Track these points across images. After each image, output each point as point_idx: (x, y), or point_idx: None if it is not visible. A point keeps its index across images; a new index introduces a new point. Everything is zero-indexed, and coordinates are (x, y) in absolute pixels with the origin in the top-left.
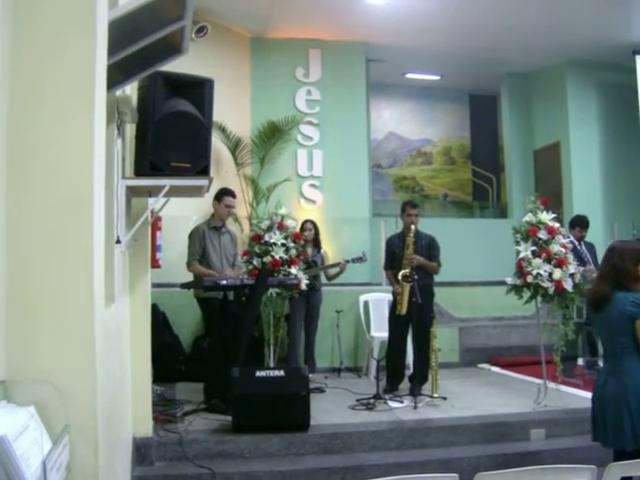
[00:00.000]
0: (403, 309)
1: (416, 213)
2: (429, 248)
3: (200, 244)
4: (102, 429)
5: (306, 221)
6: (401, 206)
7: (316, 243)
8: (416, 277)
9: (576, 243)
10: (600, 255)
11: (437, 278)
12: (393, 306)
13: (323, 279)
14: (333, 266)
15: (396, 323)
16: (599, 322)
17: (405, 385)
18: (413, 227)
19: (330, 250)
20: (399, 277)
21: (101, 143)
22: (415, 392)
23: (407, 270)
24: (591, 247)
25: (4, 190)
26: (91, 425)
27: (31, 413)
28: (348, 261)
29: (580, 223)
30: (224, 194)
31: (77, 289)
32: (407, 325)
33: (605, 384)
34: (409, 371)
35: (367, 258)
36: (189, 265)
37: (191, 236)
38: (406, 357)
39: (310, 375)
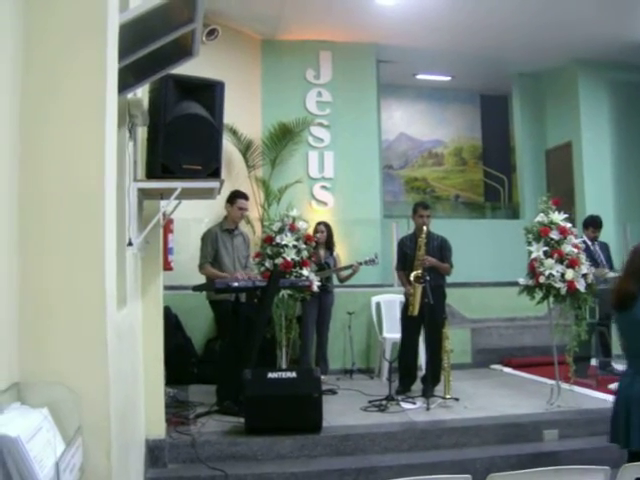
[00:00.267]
0: (415, 310)
1: (428, 214)
2: (441, 249)
3: (212, 247)
4: (115, 431)
5: (319, 223)
6: (413, 207)
7: (329, 245)
8: (428, 278)
9: (589, 243)
10: (614, 255)
11: (449, 279)
12: (405, 307)
13: (335, 281)
14: (346, 268)
15: (408, 324)
16: (623, 321)
17: (417, 386)
18: (425, 228)
19: (342, 251)
20: (411, 278)
21: (113, 146)
22: (427, 393)
23: (419, 271)
24: (605, 247)
25: (17, 193)
26: (104, 426)
27: (44, 415)
28: (361, 263)
29: (593, 223)
30: (237, 197)
31: (89, 291)
32: (419, 326)
33: (632, 384)
34: (421, 372)
35: (379, 260)
36: (201, 267)
37: (204, 239)
38: (418, 358)
39: (322, 377)
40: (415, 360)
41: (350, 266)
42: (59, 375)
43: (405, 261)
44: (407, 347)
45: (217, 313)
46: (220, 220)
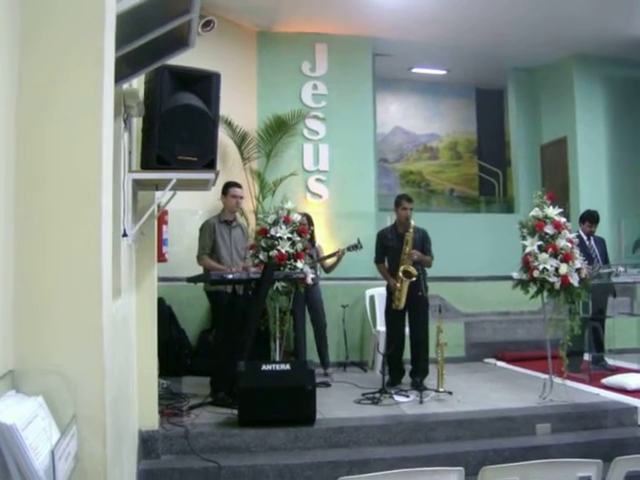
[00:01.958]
0: (401, 304)
1: (411, 207)
2: (422, 242)
3: (210, 238)
4: (110, 420)
5: (301, 215)
6: (395, 200)
7: (310, 237)
8: (420, 272)
9: (585, 238)
10: (609, 250)
11: (444, 272)
12: (389, 301)
13: (321, 274)
14: (330, 256)
15: (393, 318)
16: None
17: (409, 379)
18: (413, 222)
19: (336, 244)
20: (400, 273)
21: (109, 137)
22: (420, 387)
23: (409, 266)
24: (601, 242)
25: (13, 184)
26: (99, 415)
27: (39, 403)
28: (344, 250)
29: (590, 218)
30: (229, 186)
31: (85, 280)
32: (404, 319)
33: None
34: (410, 365)
35: (362, 245)
36: (199, 259)
37: (202, 230)
38: (404, 350)
39: (330, 369)
40: (401, 353)
41: (335, 253)
42: (54, 363)
43: (385, 254)
44: (394, 340)
45: (213, 304)
46: (217, 212)
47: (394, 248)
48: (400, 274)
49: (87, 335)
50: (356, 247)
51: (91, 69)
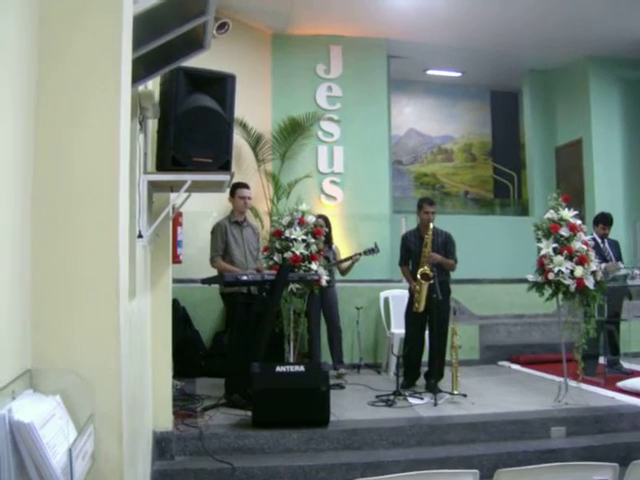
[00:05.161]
0: (421, 306)
1: (433, 210)
2: (445, 245)
3: (222, 239)
4: (126, 420)
5: (318, 216)
6: (417, 203)
7: (327, 239)
8: (435, 275)
9: (599, 240)
10: (624, 253)
11: (458, 275)
12: (410, 303)
13: (337, 276)
14: (346, 260)
15: (413, 320)
16: None
17: (423, 381)
18: (431, 225)
19: (350, 246)
20: (418, 276)
21: (126, 139)
22: (435, 389)
23: (426, 268)
24: (615, 245)
25: (32, 185)
26: (116, 415)
27: (57, 402)
28: (360, 254)
29: (604, 220)
30: (235, 188)
31: (102, 281)
32: (424, 322)
33: None
34: (425, 368)
35: (379, 249)
36: (212, 261)
37: (213, 232)
38: (423, 354)
39: (343, 370)
40: (420, 356)
41: (351, 257)
42: (71, 363)
43: (409, 256)
44: (412, 343)
45: (229, 305)
46: (228, 214)
47: (416, 251)
48: (418, 277)
49: (104, 335)
50: (373, 251)
51: (109, 71)
